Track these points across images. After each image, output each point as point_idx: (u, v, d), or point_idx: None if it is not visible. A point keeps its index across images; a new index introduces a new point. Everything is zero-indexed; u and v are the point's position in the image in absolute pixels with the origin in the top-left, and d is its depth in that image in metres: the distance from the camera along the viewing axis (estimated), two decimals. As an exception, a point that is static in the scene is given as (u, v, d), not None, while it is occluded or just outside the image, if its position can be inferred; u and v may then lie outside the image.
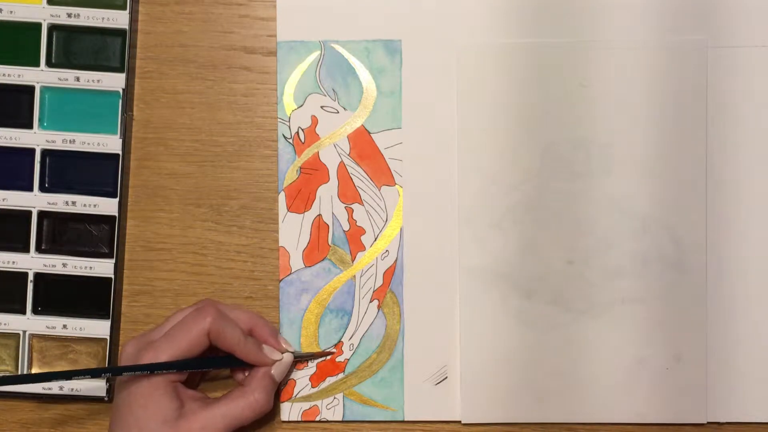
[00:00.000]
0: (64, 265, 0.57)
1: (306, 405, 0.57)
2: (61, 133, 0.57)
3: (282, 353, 0.54)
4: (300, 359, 0.56)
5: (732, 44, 0.56)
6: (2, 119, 0.57)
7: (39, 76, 0.57)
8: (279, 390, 0.57)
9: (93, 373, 0.53)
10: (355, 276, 0.57)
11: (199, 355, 0.52)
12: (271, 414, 0.57)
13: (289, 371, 0.56)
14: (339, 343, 0.56)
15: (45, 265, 0.57)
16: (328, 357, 0.56)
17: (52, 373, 0.51)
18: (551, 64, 0.56)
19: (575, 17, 0.56)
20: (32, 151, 0.57)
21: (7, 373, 0.57)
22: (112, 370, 0.54)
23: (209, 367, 0.54)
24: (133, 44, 0.58)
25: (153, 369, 0.51)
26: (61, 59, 0.57)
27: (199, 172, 0.58)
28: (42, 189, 0.57)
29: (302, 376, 0.57)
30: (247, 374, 0.54)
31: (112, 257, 0.57)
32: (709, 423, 0.55)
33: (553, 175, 0.56)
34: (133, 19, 0.57)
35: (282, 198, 0.57)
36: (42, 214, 0.57)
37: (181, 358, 0.51)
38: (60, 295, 0.57)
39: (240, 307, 0.55)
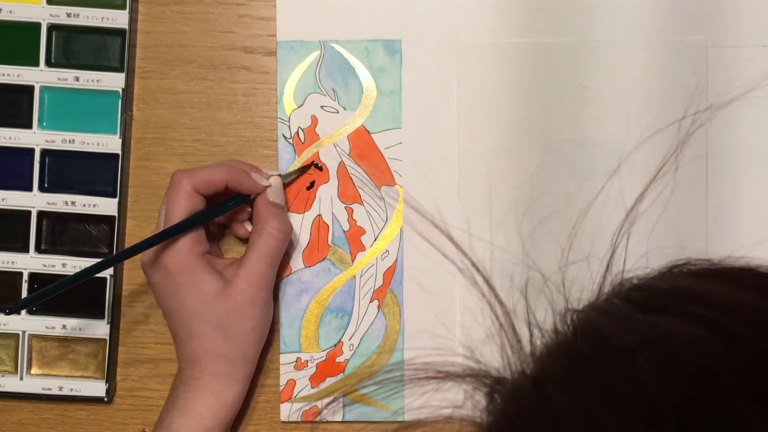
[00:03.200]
0: (64, 265, 0.57)
1: (306, 405, 0.57)
2: (61, 133, 0.57)
3: (268, 178, 0.54)
4: (287, 178, 0.56)
5: (732, 44, 0.56)
6: (2, 119, 0.57)
7: (38, 76, 0.57)
8: (279, 390, 0.57)
9: (131, 252, 0.52)
10: (355, 276, 0.57)
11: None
12: (271, 414, 0.57)
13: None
14: (321, 166, 0.57)
15: (44, 265, 0.57)
16: (310, 168, 0.56)
17: (98, 264, 0.51)
18: (551, 64, 0.56)
19: (575, 17, 0.56)
20: (32, 151, 0.57)
21: (7, 374, 0.57)
22: (137, 249, 0.52)
23: (215, 214, 0.54)
24: (133, 44, 0.58)
25: (171, 233, 0.50)
26: (60, 59, 0.57)
27: (199, 172, 0.58)
28: (41, 189, 0.57)
29: (302, 377, 0.57)
30: (248, 227, 0.55)
31: (112, 257, 0.57)
32: (709, 423, 0.55)
33: (553, 175, 0.56)
34: (133, 19, 0.57)
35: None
36: (41, 214, 0.57)
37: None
38: (60, 296, 0.57)
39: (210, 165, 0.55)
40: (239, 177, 0.53)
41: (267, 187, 0.54)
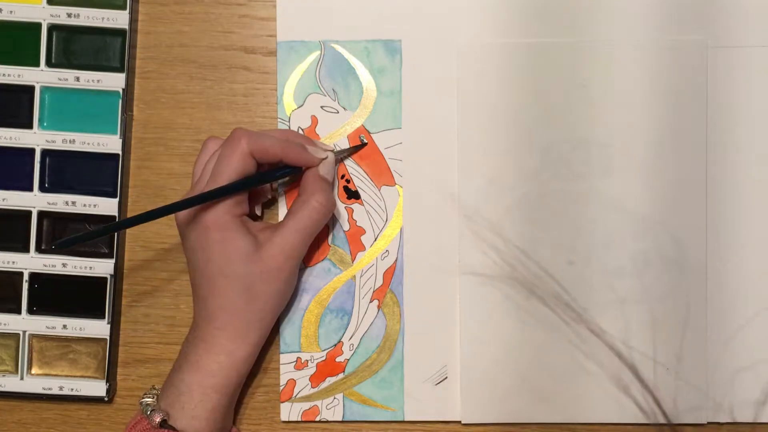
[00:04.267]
0: (64, 265, 0.57)
1: (306, 405, 0.57)
2: (61, 133, 0.57)
3: (324, 152, 0.54)
4: (340, 156, 0.56)
5: (732, 44, 0.56)
6: (2, 119, 0.57)
7: (39, 76, 0.57)
8: (279, 390, 0.57)
9: (171, 209, 0.51)
10: (355, 276, 0.57)
11: None
12: (271, 414, 0.57)
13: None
14: (367, 142, 0.57)
15: (45, 265, 0.57)
16: (362, 147, 0.56)
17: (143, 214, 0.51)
18: (551, 64, 0.56)
19: (575, 17, 0.56)
20: (32, 151, 0.57)
21: (7, 374, 0.57)
22: (177, 206, 0.51)
23: (264, 181, 0.54)
24: (133, 44, 0.58)
25: (218, 194, 0.50)
26: (61, 59, 0.57)
27: (199, 172, 0.58)
28: (42, 189, 0.57)
29: (302, 377, 0.57)
30: (258, 211, 0.55)
31: (112, 257, 0.57)
32: (709, 423, 0.55)
33: (553, 175, 0.56)
34: (133, 19, 0.57)
35: (282, 198, 0.57)
36: (42, 214, 0.57)
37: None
38: (60, 296, 0.57)
39: (267, 131, 0.55)
40: (296, 152, 0.53)
41: (321, 159, 0.54)
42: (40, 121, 0.57)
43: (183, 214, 0.52)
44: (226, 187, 0.51)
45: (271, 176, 0.54)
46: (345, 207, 0.57)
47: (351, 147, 0.56)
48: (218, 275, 0.51)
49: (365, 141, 0.56)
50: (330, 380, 0.57)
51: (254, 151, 0.51)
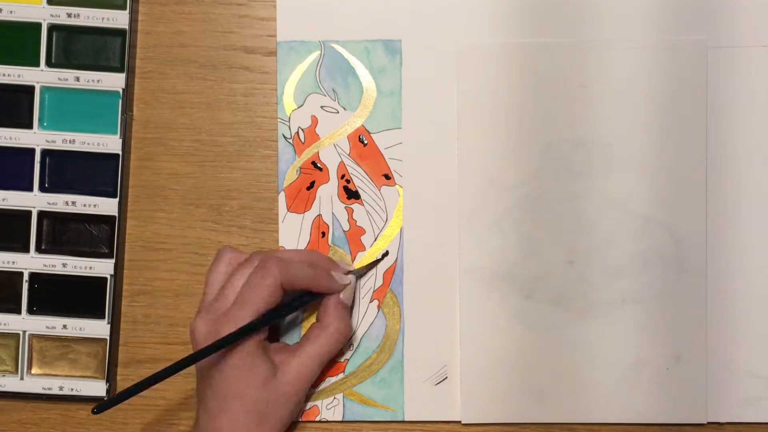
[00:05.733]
0: (64, 265, 0.57)
1: (306, 405, 0.57)
2: (61, 133, 0.57)
3: (347, 276, 0.54)
4: (361, 275, 0.56)
5: (732, 44, 0.56)
6: (2, 119, 0.57)
7: (39, 76, 0.57)
8: (279, 390, 0.57)
9: (193, 360, 0.50)
10: (355, 276, 0.57)
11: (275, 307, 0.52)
12: (271, 414, 0.57)
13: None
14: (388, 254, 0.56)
15: (45, 265, 0.57)
16: (382, 259, 0.56)
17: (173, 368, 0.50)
18: (551, 64, 0.56)
19: (575, 17, 0.56)
20: (32, 151, 0.57)
21: (8, 374, 0.57)
22: (206, 351, 0.50)
23: (289, 313, 0.54)
24: (133, 44, 0.58)
25: (242, 334, 0.50)
26: (61, 59, 0.57)
27: (199, 172, 0.58)
28: (42, 189, 0.57)
29: (302, 376, 0.57)
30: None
31: (112, 257, 0.57)
32: (709, 423, 0.55)
33: (553, 175, 0.56)
34: (133, 19, 0.57)
35: (282, 198, 0.57)
36: (42, 214, 0.57)
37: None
38: (60, 296, 0.57)
39: (289, 251, 0.55)
40: (324, 282, 0.53)
41: (346, 285, 0.54)
42: (40, 121, 0.57)
43: (203, 329, 0.51)
44: (252, 324, 0.50)
45: (294, 308, 0.54)
46: (345, 207, 0.57)
47: (370, 263, 0.56)
48: (232, 396, 0.50)
49: (387, 252, 0.56)
50: (330, 380, 0.57)
51: (284, 282, 0.51)
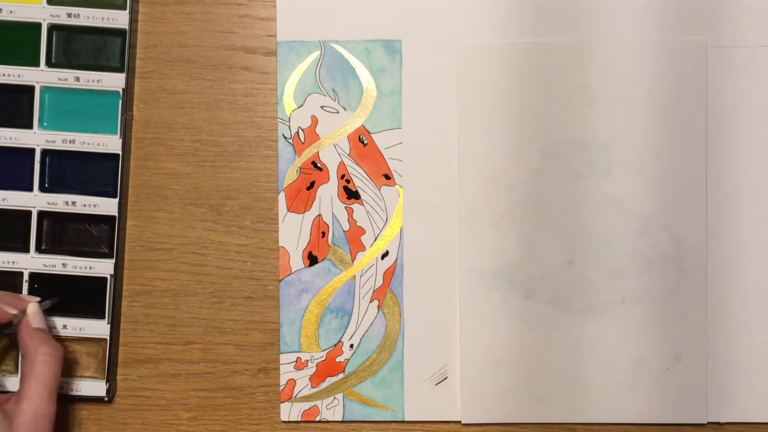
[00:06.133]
0: (64, 265, 0.57)
1: (306, 405, 0.57)
2: (61, 133, 0.57)
3: (19, 308, 0.53)
4: (45, 306, 0.55)
5: (732, 44, 0.56)
6: (2, 119, 0.57)
7: (39, 76, 0.57)
8: (279, 390, 0.57)
9: None
10: (355, 276, 0.57)
11: None
12: (271, 414, 0.57)
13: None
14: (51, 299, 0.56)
15: (45, 265, 0.57)
16: (54, 301, 0.56)
17: None
18: (551, 64, 0.56)
19: (575, 17, 0.56)
20: (32, 151, 0.57)
21: (8, 374, 0.57)
22: None
23: None
24: (133, 44, 0.58)
25: None
26: (61, 59, 0.57)
27: (199, 172, 0.58)
28: (42, 189, 0.57)
29: (302, 377, 0.57)
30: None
31: (112, 257, 0.57)
32: (709, 423, 0.55)
33: (553, 175, 0.56)
34: (133, 19, 0.57)
35: (282, 198, 0.57)
36: (42, 214, 0.57)
37: None
38: (60, 296, 0.57)
39: None
40: None
41: (15, 315, 0.53)
42: (40, 121, 0.57)
43: None
44: None
45: None
46: (345, 207, 0.57)
47: (54, 298, 0.56)
48: None
49: (56, 301, 0.56)
50: (330, 380, 0.57)
51: None
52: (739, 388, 0.55)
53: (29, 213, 0.57)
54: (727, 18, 0.56)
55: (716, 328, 0.55)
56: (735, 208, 0.56)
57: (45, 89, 0.57)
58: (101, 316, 0.57)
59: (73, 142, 0.57)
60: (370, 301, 0.57)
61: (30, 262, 0.57)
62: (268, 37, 0.58)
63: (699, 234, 0.55)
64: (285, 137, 0.57)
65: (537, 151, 0.56)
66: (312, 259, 0.57)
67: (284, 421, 0.57)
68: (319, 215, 0.57)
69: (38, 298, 0.55)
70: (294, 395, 0.57)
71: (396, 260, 0.57)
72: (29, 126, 0.57)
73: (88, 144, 0.57)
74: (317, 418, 0.57)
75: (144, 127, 0.58)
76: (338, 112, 0.57)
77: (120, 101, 0.57)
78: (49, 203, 0.57)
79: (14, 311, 0.53)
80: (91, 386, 0.57)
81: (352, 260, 0.57)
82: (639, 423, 0.56)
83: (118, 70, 0.57)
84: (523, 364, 0.56)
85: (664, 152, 0.56)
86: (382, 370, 0.56)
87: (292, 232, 0.57)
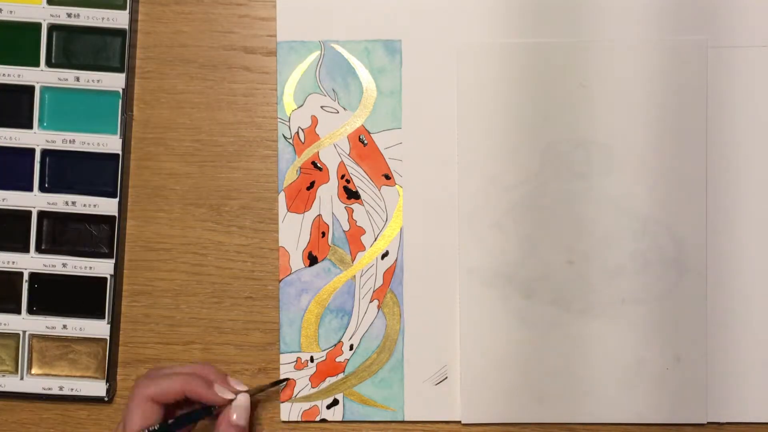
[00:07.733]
0: (64, 265, 0.57)
1: (306, 405, 0.57)
2: (61, 133, 0.57)
3: (234, 393, 0.52)
4: (256, 393, 0.55)
5: (732, 44, 0.56)
6: (2, 119, 0.57)
7: (39, 76, 0.57)
8: (278, 391, 0.57)
9: None
10: (355, 276, 0.57)
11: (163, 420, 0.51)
12: (271, 414, 0.57)
13: (254, 413, 0.54)
14: (290, 381, 0.56)
15: (45, 265, 0.57)
16: (284, 384, 0.56)
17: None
18: (551, 64, 0.56)
19: (575, 17, 0.56)
20: (32, 151, 0.57)
21: (8, 374, 0.57)
22: None
23: (178, 426, 0.51)
24: (133, 44, 0.58)
25: None
26: (61, 59, 0.57)
27: (199, 172, 0.58)
28: (42, 189, 0.57)
29: (302, 377, 0.57)
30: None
31: (112, 257, 0.57)
32: (709, 423, 0.55)
33: (553, 175, 0.56)
34: (133, 19, 0.57)
35: (282, 198, 0.57)
36: (42, 214, 0.57)
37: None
38: (60, 295, 0.57)
39: (182, 365, 0.54)
40: (197, 388, 0.51)
41: (229, 401, 0.52)
42: (40, 121, 0.57)
43: None
44: None
45: (183, 422, 0.51)
46: (345, 207, 0.57)
47: (270, 383, 0.56)
48: None
49: (286, 379, 0.56)
50: (330, 380, 0.57)
51: (154, 395, 0.50)
52: (739, 388, 0.55)
53: (29, 213, 0.57)
54: (727, 18, 0.56)
55: (716, 328, 0.55)
56: (735, 208, 0.56)
57: (45, 89, 0.57)
58: (101, 316, 0.57)
59: (73, 142, 0.57)
60: (370, 301, 0.57)
61: (30, 262, 0.57)
62: (268, 37, 0.58)
63: (699, 234, 0.55)
64: (285, 137, 0.57)
65: (537, 151, 0.56)
66: (312, 259, 0.57)
67: (284, 421, 0.57)
68: (319, 215, 0.57)
69: (247, 387, 0.53)
70: (294, 395, 0.57)
71: (396, 260, 0.57)
72: (29, 126, 0.57)
73: (88, 144, 0.57)
74: (317, 418, 0.57)
75: (144, 127, 0.58)
76: (338, 112, 0.57)
77: (120, 101, 0.57)
78: (49, 203, 0.57)
79: (229, 396, 0.52)
80: (91, 386, 0.57)
81: (352, 260, 0.57)
82: (639, 423, 0.56)
83: (118, 70, 0.57)
84: (523, 364, 0.56)
85: (664, 152, 0.56)
86: (382, 370, 0.56)
87: (292, 232, 0.57)
